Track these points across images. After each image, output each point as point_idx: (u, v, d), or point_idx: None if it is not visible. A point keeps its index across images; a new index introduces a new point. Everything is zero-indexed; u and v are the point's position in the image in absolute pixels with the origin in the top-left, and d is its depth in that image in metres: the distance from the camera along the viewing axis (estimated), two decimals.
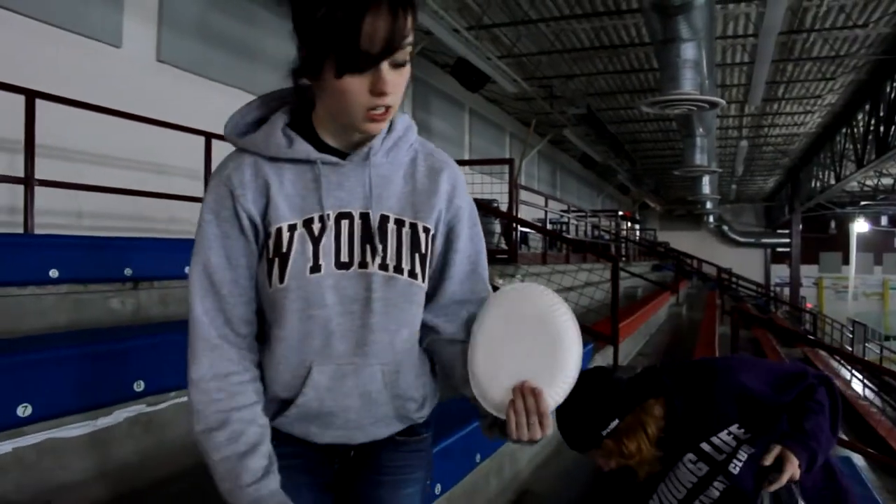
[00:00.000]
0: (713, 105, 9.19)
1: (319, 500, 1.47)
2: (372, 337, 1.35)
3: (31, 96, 4.13)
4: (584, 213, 16.46)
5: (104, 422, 2.50)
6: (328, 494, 1.49)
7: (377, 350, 1.35)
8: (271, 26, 8.22)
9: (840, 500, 2.07)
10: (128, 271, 3.75)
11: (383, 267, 1.35)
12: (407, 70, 1.24)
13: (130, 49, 6.51)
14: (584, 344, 4.77)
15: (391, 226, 1.36)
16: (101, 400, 2.50)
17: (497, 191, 9.32)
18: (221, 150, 5.83)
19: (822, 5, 10.14)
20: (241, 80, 7.73)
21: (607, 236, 18.03)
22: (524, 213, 9.28)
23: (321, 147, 1.34)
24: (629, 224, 23.16)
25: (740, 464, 2.01)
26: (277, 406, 1.38)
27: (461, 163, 10.44)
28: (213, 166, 5.61)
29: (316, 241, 1.31)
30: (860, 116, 15.76)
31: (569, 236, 13.19)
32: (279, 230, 1.30)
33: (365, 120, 1.25)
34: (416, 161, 1.43)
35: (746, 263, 34.45)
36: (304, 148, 1.32)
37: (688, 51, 8.10)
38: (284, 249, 1.30)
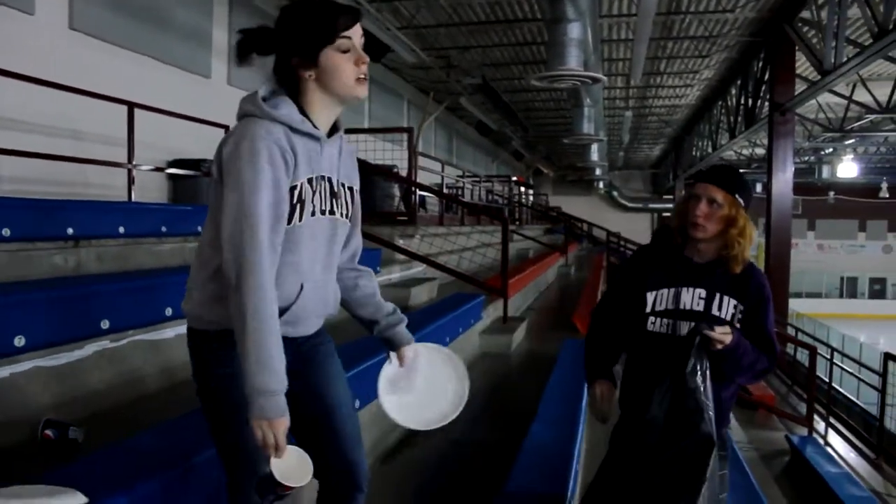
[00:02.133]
0: (595, 80, 9.96)
1: None
2: (333, 261, 2.01)
3: None
4: (478, 179, 17.18)
5: (78, 354, 2.98)
6: None
7: (333, 268, 2.03)
8: None
9: (727, 409, 2.56)
10: (70, 230, 4.15)
11: (343, 215, 1.99)
12: None
13: (43, 16, 6.68)
14: (477, 296, 5.58)
15: (344, 189, 2.01)
16: (75, 335, 2.98)
17: (397, 157, 9.84)
18: (143, 117, 6.13)
19: None
20: (152, 48, 7.98)
21: (501, 200, 18.88)
22: (422, 177, 9.84)
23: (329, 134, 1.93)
24: (522, 189, 24.09)
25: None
26: None
27: (362, 131, 10.85)
28: (136, 134, 5.97)
29: (313, 194, 1.88)
30: (733, 91, 17.05)
31: (464, 200, 13.89)
32: (301, 184, 1.85)
33: (357, 85, 1.88)
34: (342, 145, 2.02)
35: (634, 227, 36.05)
36: (309, 126, 1.87)
37: (573, 30, 8.81)
38: (303, 198, 1.86)
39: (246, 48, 1.87)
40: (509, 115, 19.03)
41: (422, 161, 10.41)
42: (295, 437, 1.97)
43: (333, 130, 1.97)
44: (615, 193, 37.72)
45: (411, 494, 3.54)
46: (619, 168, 36.63)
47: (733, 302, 2.43)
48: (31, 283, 3.42)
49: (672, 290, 2.46)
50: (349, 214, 2.05)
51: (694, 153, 24.53)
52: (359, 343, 3.49)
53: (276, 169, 1.77)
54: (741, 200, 2.42)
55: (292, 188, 1.83)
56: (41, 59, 6.43)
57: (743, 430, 6.92)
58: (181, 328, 3.57)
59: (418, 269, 7.60)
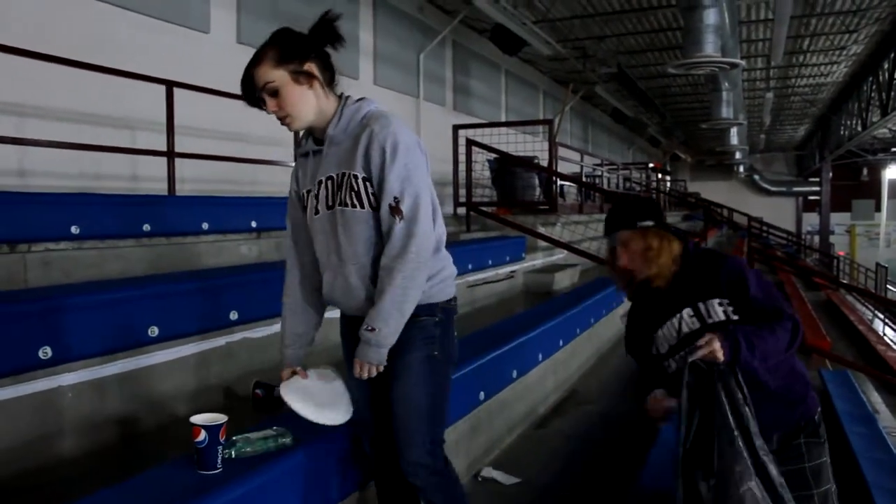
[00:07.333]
0: (734, 66, 9.89)
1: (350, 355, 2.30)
2: (342, 249, 2.19)
3: (170, 86, 5.08)
4: (615, 166, 17.20)
5: (275, 328, 3.47)
6: None
7: (348, 256, 2.19)
8: (331, 5, 9.06)
9: (802, 394, 2.43)
10: (253, 223, 4.73)
11: (341, 204, 2.16)
12: (284, 93, 2.13)
13: (216, 34, 7.42)
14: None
15: (342, 179, 2.15)
16: (271, 312, 3.49)
17: (536, 148, 10.11)
18: None
19: None
20: None
21: (638, 188, 18.79)
22: (561, 167, 10.08)
23: (319, 143, 2.24)
24: (660, 175, 23.78)
25: None
26: None
27: (499, 124, 11.16)
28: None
29: (316, 197, 2.23)
30: (885, 65, 16.23)
31: (602, 188, 14.02)
32: (306, 192, 2.28)
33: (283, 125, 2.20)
34: (362, 130, 2.14)
35: (778, 212, 34.68)
36: (308, 147, 2.28)
37: (710, 16, 8.83)
38: (306, 203, 2.28)
39: None
40: (645, 101, 18.89)
41: (560, 151, 10.65)
42: None
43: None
44: (756, 177, 36.36)
45: (563, 458, 3.86)
46: (760, 151, 35.29)
47: (716, 301, 2.36)
48: (233, 268, 3.98)
49: (663, 327, 2.44)
50: (346, 201, 2.17)
51: (842, 132, 23.40)
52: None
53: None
54: (648, 223, 2.44)
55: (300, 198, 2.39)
56: (216, 71, 7.12)
57: (893, 415, 6.81)
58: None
59: (560, 255, 7.89)
